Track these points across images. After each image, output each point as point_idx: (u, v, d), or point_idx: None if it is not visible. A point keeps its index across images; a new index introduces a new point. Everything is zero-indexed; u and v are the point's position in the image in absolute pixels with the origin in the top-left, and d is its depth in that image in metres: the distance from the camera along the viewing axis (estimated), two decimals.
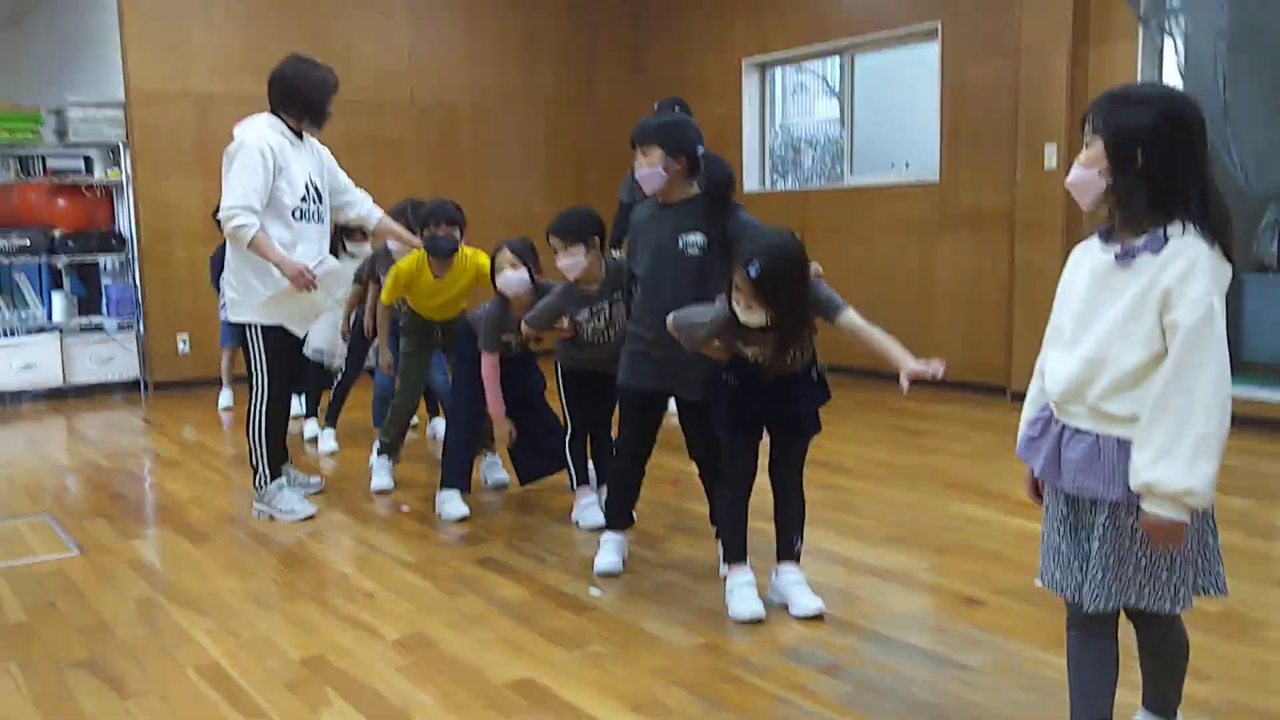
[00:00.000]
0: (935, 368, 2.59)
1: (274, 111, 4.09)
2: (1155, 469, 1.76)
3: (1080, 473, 1.91)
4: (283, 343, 4.15)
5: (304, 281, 3.91)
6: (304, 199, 4.06)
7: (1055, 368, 1.94)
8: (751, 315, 2.81)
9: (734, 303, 2.83)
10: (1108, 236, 1.88)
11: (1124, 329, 1.81)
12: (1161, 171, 1.79)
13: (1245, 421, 5.55)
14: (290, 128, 4.08)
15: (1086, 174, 1.86)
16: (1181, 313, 1.74)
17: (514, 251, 3.88)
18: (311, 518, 4.17)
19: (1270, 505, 4.22)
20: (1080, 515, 1.97)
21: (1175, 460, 1.74)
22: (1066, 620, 2.05)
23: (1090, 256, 1.91)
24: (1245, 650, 2.79)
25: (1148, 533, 1.83)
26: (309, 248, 4.06)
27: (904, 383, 2.65)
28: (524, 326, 3.81)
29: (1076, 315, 1.91)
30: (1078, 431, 1.92)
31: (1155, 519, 1.79)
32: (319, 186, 4.17)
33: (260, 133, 3.98)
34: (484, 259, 4.44)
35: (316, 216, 4.15)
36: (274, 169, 3.93)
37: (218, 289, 6.61)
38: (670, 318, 3.01)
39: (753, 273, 2.72)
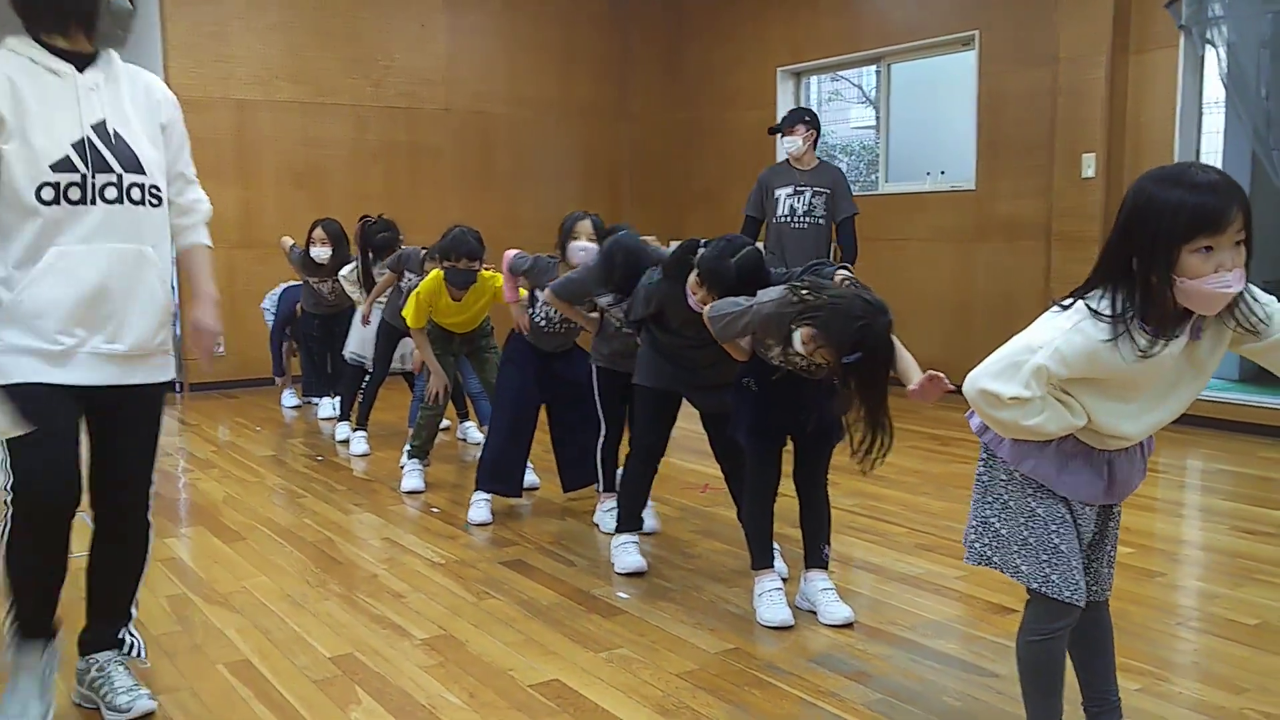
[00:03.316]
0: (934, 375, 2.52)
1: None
2: None
3: (1136, 477, 2.08)
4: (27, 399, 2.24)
5: None
6: (66, 168, 2.27)
7: (1130, 430, 1.97)
8: (814, 361, 2.76)
9: (802, 343, 2.70)
10: (1172, 330, 1.87)
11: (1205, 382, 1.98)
12: None
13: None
14: (56, 50, 2.33)
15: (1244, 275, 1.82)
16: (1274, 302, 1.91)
17: (595, 228, 3.86)
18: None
19: None
20: (1103, 522, 2.12)
21: None
22: (1058, 628, 2.06)
23: (1158, 355, 1.86)
24: None
25: None
26: (85, 247, 2.30)
27: (912, 387, 2.54)
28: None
29: (1153, 393, 1.94)
30: (1126, 449, 2.03)
31: None
32: (128, 142, 2.40)
33: None
34: (500, 280, 4.48)
35: (104, 195, 2.32)
36: None
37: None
38: (708, 308, 2.99)
39: (847, 360, 2.58)
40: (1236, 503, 4.39)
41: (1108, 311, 1.85)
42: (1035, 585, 2.03)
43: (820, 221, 5.85)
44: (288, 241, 6.34)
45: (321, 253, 6.01)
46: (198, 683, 2.72)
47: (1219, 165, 6.99)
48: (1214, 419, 5.78)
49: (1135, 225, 1.82)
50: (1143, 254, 1.80)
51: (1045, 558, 2.02)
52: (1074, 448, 2.00)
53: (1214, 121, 6.49)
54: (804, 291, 2.72)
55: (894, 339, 2.66)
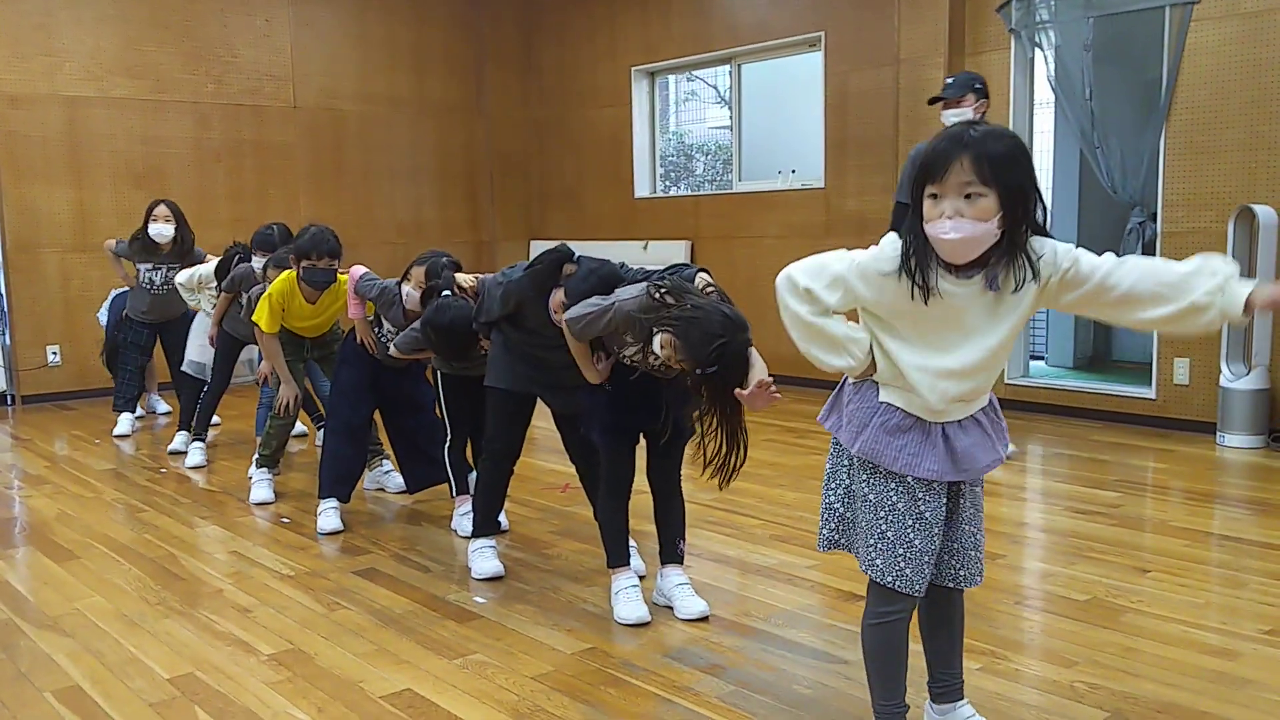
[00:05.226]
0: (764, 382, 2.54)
1: None
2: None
3: (980, 453, 2.05)
4: None
5: None
6: None
7: (938, 387, 1.97)
8: (668, 362, 2.75)
9: (661, 347, 2.71)
10: (962, 271, 1.91)
11: (1012, 341, 2.00)
12: (1036, 210, 1.90)
13: (1114, 416, 5.78)
14: None
15: (985, 228, 1.84)
16: (1085, 255, 1.92)
17: (429, 274, 3.79)
18: None
19: (1136, 497, 4.39)
20: (954, 501, 2.10)
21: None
22: (892, 613, 2.08)
23: (941, 287, 1.91)
24: (1109, 636, 2.89)
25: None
26: None
27: (742, 392, 2.56)
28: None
29: (947, 339, 1.96)
30: (960, 421, 2.03)
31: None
32: None
33: None
34: None
35: None
36: None
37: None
38: (566, 315, 2.97)
39: (701, 373, 2.59)
40: (1072, 484, 4.61)
41: (902, 246, 1.93)
42: (864, 568, 2.08)
43: None
44: (111, 242, 6.01)
45: (164, 230, 5.71)
46: (21, 713, 2.56)
47: (1049, 163, 7.30)
48: (1050, 405, 6.07)
49: None
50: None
51: (873, 542, 2.06)
52: (903, 421, 2.01)
53: (1044, 121, 6.81)
54: (664, 294, 2.73)
55: (752, 352, 2.67)
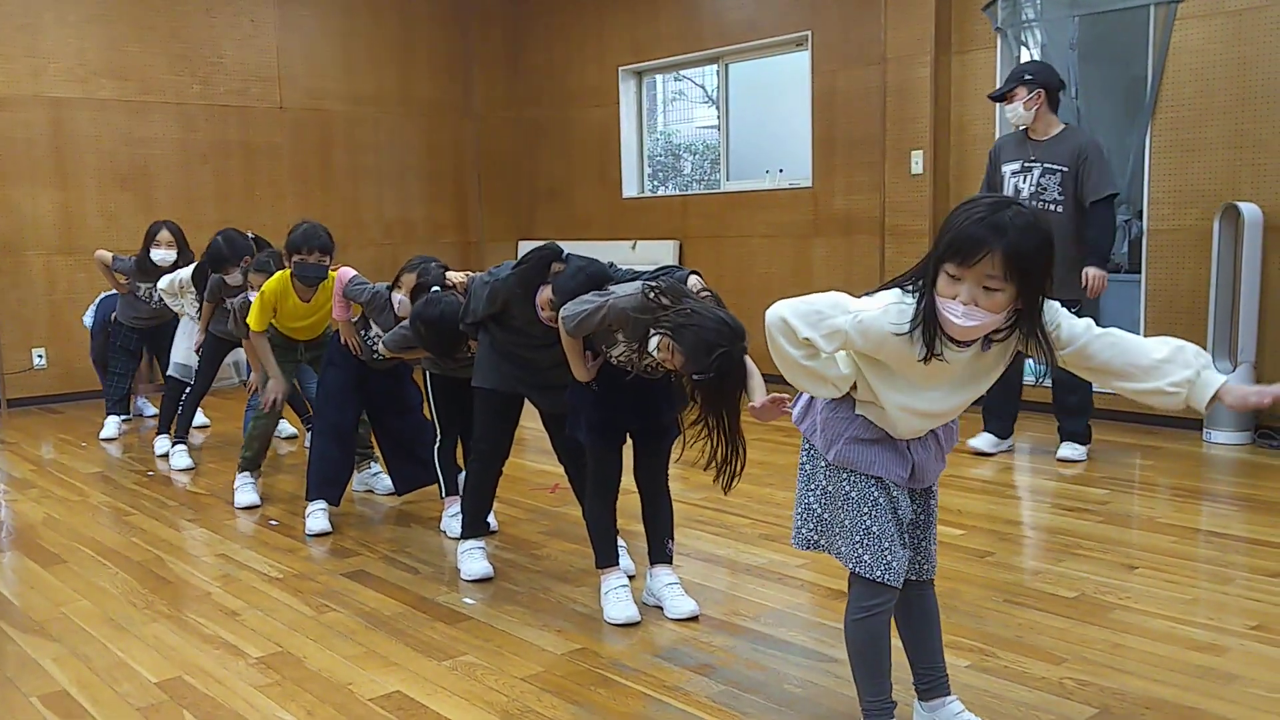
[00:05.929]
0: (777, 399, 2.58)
1: None
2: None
3: (932, 465, 2.17)
4: None
5: None
6: None
7: (913, 423, 2.07)
8: (663, 364, 2.76)
9: (656, 349, 2.71)
10: (963, 343, 1.95)
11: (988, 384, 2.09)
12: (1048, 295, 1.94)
13: (1101, 413, 5.79)
14: None
15: (995, 319, 1.89)
16: (1068, 322, 1.98)
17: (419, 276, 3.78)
18: None
19: (1125, 494, 4.41)
20: (922, 502, 2.21)
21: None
22: (876, 605, 2.12)
23: (944, 357, 1.95)
24: (1097, 633, 2.90)
25: None
26: None
27: (754, 404, 2.61)
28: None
29: (932, 388, 2.03)
30: (920, 437, 2.14)
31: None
32: None
33: None
34: None
35: None
36: None
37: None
38: (561, 311, 2.95)
39: (698, 380, 2.61)
40: (1061, 482, 4.63)
41: (912, 308, 1.95)
42: (850, 565, 2.12)
43: (1052, 207, 4.69)
44: (106, 255, 5.94)
45: (167, 255, 5.66)
46: (8, 719, 2.55)
47: None
48: (1038, 402, 6.07)
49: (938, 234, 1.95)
50: (926, 261, 1.94)
51: (858, 538, 2.10)
52: (875, 434, 2.10)
53: None
54: (660, 295, 2.72)
55: (747, 360, 2.68)
